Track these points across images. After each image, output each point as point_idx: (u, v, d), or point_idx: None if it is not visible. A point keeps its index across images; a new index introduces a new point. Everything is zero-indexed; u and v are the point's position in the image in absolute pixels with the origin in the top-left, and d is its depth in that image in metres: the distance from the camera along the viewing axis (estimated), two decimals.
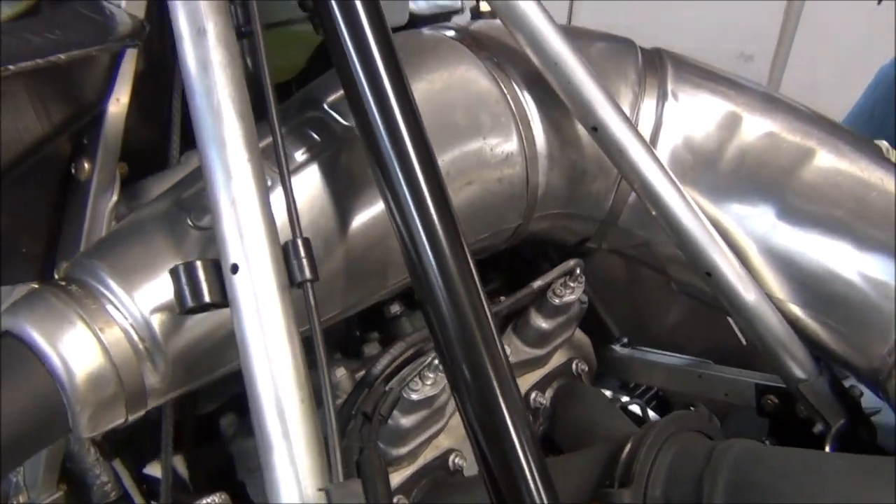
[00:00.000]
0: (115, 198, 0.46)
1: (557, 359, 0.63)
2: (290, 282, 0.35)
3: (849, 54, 1.84)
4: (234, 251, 0.35)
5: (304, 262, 0.36)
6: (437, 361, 0.48)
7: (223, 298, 0.35)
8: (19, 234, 0.46)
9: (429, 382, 0.48)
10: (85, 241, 0.45)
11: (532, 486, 0.37)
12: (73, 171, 0.45)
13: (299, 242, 0.36)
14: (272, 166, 0.39)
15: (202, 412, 0.56)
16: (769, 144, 0.54)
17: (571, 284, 0.57)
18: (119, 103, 0.44)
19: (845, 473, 0.43)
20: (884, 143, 0.57)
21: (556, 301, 0.57)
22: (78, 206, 0.45)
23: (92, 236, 0.46)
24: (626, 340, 0.70)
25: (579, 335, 0.65)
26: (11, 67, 0.34)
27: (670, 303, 0.69)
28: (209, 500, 0.52)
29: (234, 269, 0.34)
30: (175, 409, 0.50)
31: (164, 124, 0.47)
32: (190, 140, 0.41)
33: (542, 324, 0.58)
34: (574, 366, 0.64)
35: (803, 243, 0.51)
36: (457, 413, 0.41)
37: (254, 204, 0.36)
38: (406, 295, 0.56)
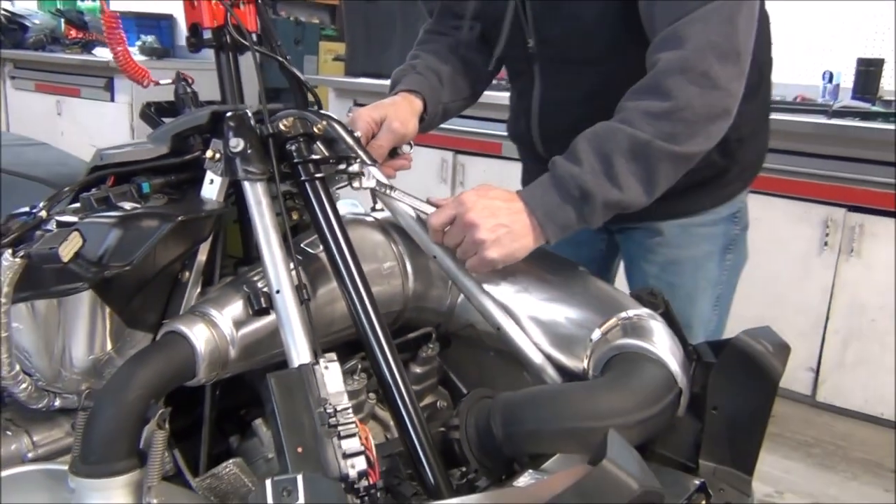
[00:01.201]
0: (197, 290, 0.93)
1: (429, 399, 1.10)
2: (300, 300, 0.83)
3: None
4: (276, 284, 0.83)
5: (306, 293, 0.84)
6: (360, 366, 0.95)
7: (271, 306, 0.82)
8: (148, 309, 0.91)
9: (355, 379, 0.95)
10: (183, 311, 0.92)
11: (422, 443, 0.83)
12: (179, 277, 0.92)
13: (305, 284, 0.84)
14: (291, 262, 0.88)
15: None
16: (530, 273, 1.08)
17: (430, 346, 1.06)
18: (206, 242, 0.93)
19: (575, 388, 0.91)
20: None
21: (423, 354, 1.05)
22: (180, 295, 0.92)
23: (186, 310, 0.92)
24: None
25: (443, 390, 1.13)
26: (181, 217, 0.84)
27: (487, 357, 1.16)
28: (227, 465, 0.92)
29: (277, 291, 0.82)
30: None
31: (224, 253, 0.96)
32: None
33: (416, 368, 1.05)
34: (437, 404, 1.11)
35: (542, 309, 1.03)
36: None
37: (284, 272, 0.84)
38: None
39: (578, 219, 1.00)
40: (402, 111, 1.13)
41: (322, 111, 1.01)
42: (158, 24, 4.76)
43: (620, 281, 1.43)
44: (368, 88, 3.43)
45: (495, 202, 0.98)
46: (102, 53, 4.55)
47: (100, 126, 4.49)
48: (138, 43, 4.55)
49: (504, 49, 1.23)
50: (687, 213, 1.27)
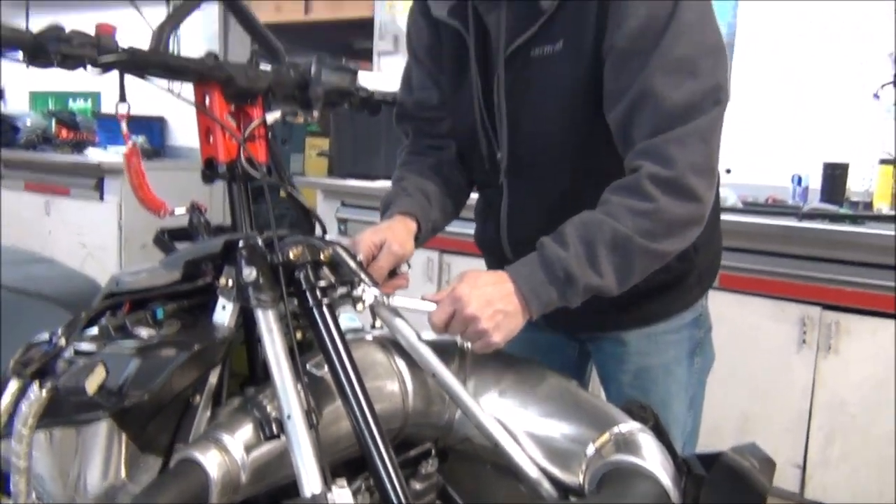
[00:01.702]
0: (208, 413, 0.96)
1: None
2: (309, 425, 0.87)
3: None
4: (287, 409, 0.87)
5: (314, 418, 0.88)
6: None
7: (281, 431, 0.86)
8: (160, 434, 0.94)
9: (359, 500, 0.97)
10: (194, 434, 0.95)
11: None
12: (191, 400, 0.96)
13: (314, 409, 0.88)
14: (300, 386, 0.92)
15: None
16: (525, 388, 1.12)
17: (430, 462, 1.09)
18: (216, 368, 0.97)
19: None
20: None
21: (423, 471, 1.08)
22: (191, 418, 0.95)
23: (197, 433, 0.95)
24: None
25: None
26: (197, 346, 0.88)
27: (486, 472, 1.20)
28: None
29: (288, 417, 0.86)
30: None
31: (231, 372, 1.00)
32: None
33: (417, 485, 1.08)
34: None
35: (537, 424, 1.07)
36: None
37: (294, 397, 0.88)
38: None
39: (560, 298, 1.08)
40: (400, 234, 1.20)
41: (327, 237, 1.07)
42: (150, 125, 4.89)
43: (594, 384, 1.49)
44: (355, 190, 3.53)
45: (487, 289, 1.05)
46: (93, 154, 4.65)
47: (88, 226, 4.55)
48: (126, 128, 4.64)
49: (472, 163, 1.31)
50: (651, 322, 1.34)
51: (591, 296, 1.09)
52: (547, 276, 1.07)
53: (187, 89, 1.06)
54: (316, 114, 1.16)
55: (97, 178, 4.51)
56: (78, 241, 4.63)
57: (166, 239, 1.06)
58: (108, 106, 5.30)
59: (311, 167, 4.33)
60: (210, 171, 1.05)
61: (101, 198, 4.51)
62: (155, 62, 0.95)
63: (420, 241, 1.28)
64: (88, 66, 0.90)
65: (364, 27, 5.71)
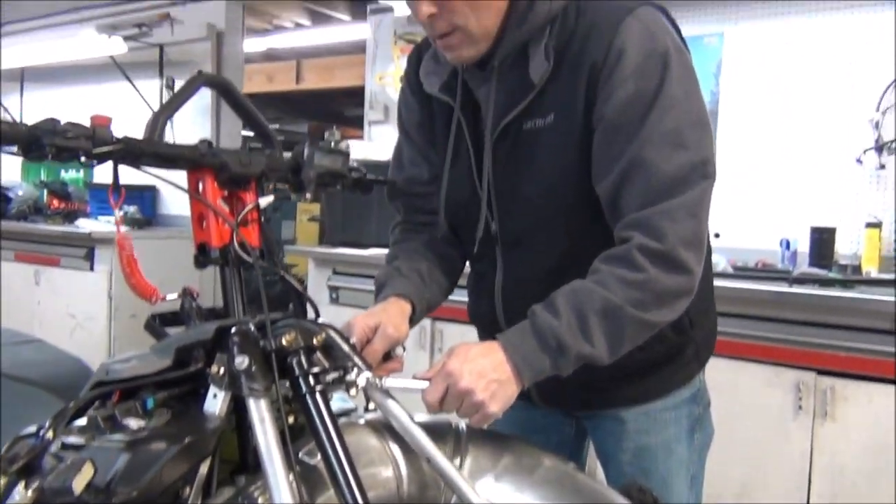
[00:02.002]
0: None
1: None
2: None
3: None
4: (279, 501, 0.85)
5: None
6: None
7: None
8: None
9: None
10: None
11: None
12: (180, 492, 0.94)
13: (305, 500, 0.86)
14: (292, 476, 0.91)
15: None
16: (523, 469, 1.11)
17: None
18: (207, 458, 0.95)
19: None
20: None
21: None
22: None
23: None
24: None
25: None
26: (188, 439, 0.87)
27: None
28: None
29: None
30: None
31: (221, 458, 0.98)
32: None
33: None
34: None
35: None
36: None
37: (287, 490, 0.87)
38: None
39: (552, 367, 1.08)
40: (395, 316, 1.20)
41: (320, 321, 1.07)
42: (141, 194, 4.91)
43: (592, 459, 1.47)
44: (347, 258, 3.53)
45: (478, 361, 1.05)
46: (84, 224, 4.66)
47: (78, 295, 4.52)
48: (120, 213, 4.67)
49: (465, 236, 1.32)
50: (649, 398, 1.33)
51: (581, 364, 1.09)
52: (539, 345, 1.07)
53: (181, 174, 1.07)
54: (309, 195, 1.17)
55: (88, 248, 4.51)
56: (67, 312, 4.59)
57: (157, 324, 1.05)
58: (100, 176, 5.34)
59: (303, 233, 4.35)
60: (203, 256, 1.05)
61: (92, 268, 4.50)
62: (149, 152, 0.95)
63: (415, 321, 1.27)
64: (83, 157, 0.91)
65: (354, 95, 5.82)
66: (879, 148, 2.88)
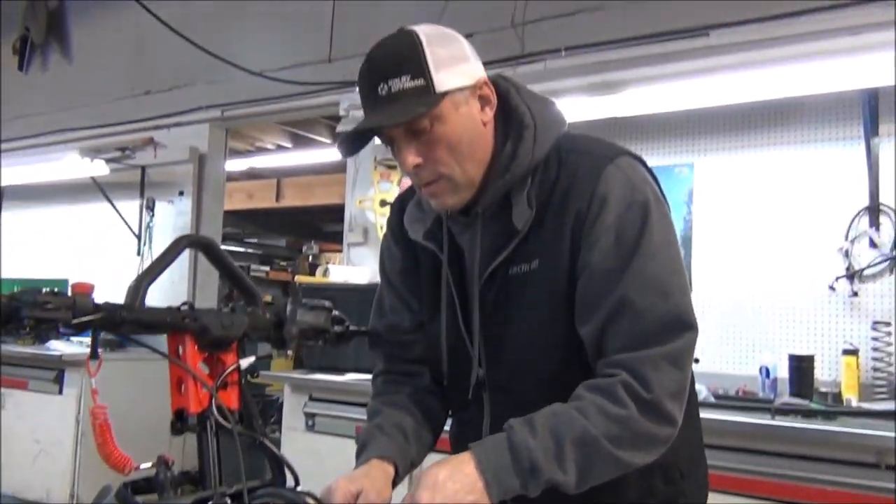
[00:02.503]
0: None
1: None
2: None
3: None
4: None
5: None
6: None
7: None
8: None
9: None
10: None
11: None
12: None
13: None
14: None
15: None
16: None
17: None
18: None
19: None
20: None
21: None
22: None
23: None
24: None
25: None
26: None
27: None
28: None
29: None
30: None
31: None
32: None
33: None
34: None
35: None
36: None
37: None
38: None
39: (521, 488, 1.06)
40: (377, 480, 1.16)
41: (300, 489, 1.03)
42: None
43: None
44: (324, 385, 3.47)
45: (447, 487, 1.03)
46: (56, 346, 4.57)
47: (45, 420, 4.37)
48: (95, 363, 4.57)
49: (452, 382, 1.30)
50: None
51: (547, 487, 1.07)
52: (512, 463, 1.05)
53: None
54: (290, 352, 1.16)
55: (57, 371, 4.39)
56: (32, 437, 4.43)
57: (129, 495, 1.01)
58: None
59: (279, 359, 4.29)
60: (180, 422, 1.02)
61: (60, 391, 4.37)
62: (130, 320, 0.94)
63: (398, 482, 1.24)
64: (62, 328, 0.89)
65: (334, 212, 5.90)
66: (851, 276, 2.93)
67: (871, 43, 2.68)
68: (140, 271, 1.01)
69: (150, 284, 0.99)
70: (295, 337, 1.15)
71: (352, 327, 1.30)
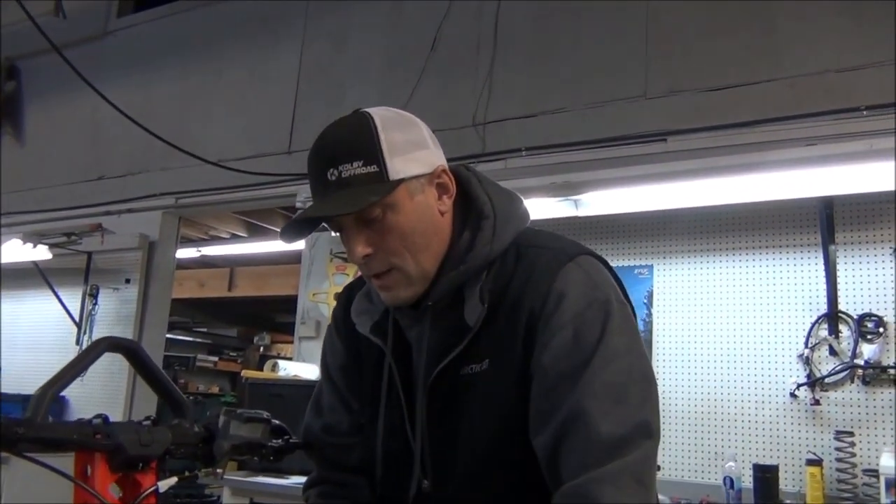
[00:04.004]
0: None
1: None
2: None
3: None
4: None
5: None
6: None
7: None
8: None
9: None
10: None
11: None
12: None
13: None
14: None
15: None
16: None
17: None
18: None
19: None
20: None
21: None
22: None
23: None
24: None
25: None
26: None
27: None
28: None
29: None
30: None
31: None
32: None
33: None
34: None
35: None
36: None
37: None
38: None
39: None
40: None
41: None
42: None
43: None
44: (266, 489, 3.25)
45: None
46: None
47: None
48: None
49: (386, 493, 1.17)
50: None
51: None
52: None
53: None
54: (220, 470, 1.03)
55: None
56: None
57: None
58: (8, 384, 4.99)
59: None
60: None
61: None
62: (29, 437, 0.81)
63: None
64: None
65: (286, 302, 5.75)
66: (812, 384, 2.88)
67: (826, 154, 2.73)
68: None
69: (58, 393, 0.87)
70: (226, 453, 1.02)
71: (293, 440, 1.18)
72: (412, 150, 1.09)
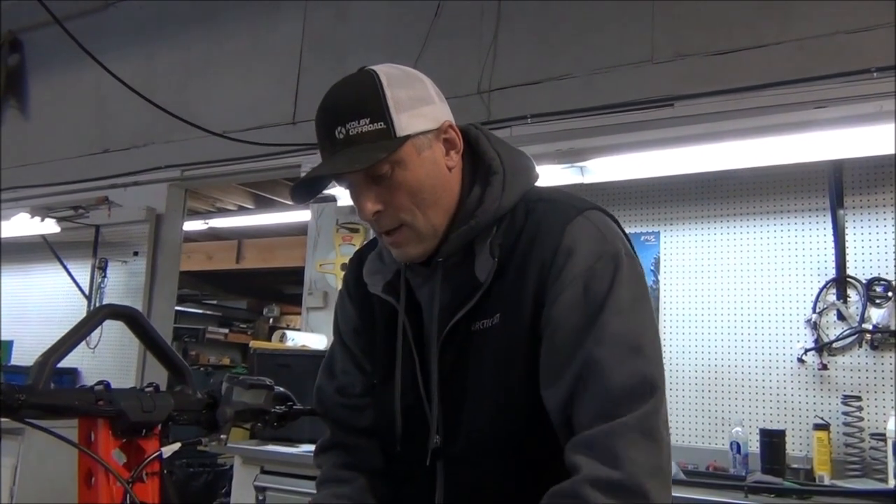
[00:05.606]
0: None
1: None
2: None
3: None
4: None
5: None
6: None
7: None
8: None
9: None
10: None
11: None
12: None
13: None
14: None
15: None
16: None
17: None
18: None
19: None
20: None
21: None
22: None
23: None
24: None
25: None
26: None
27: None
28: None
29: None
30: None
31: None
32: None
33: None
34: None
35: None
36: None
37: None
38: None
39: None
40: None
41: None
42: (60, 378, 4.61)
43: None
44: (277, 457, 3.29)
45: None
46: None
47: None
48: None
49: (405, 449, 1.17)
50: None
51: None
52: None
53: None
54: (224, 436, 1.04)
55: None
56: None
57: None
58: (18, 357, 5.04)
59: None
60: None
61: None
62: (31, 404, 0.82)
63: None
64: None
65: (294, 273, 5.77)
66: (819, 349, 2.88)
67: (835, 116, 2.69)
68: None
69: (59, 361, 0.87)
70: (230, 419, 1.03)
71: (296, 406, 1.19)
72: (418, 106, 1.09)
